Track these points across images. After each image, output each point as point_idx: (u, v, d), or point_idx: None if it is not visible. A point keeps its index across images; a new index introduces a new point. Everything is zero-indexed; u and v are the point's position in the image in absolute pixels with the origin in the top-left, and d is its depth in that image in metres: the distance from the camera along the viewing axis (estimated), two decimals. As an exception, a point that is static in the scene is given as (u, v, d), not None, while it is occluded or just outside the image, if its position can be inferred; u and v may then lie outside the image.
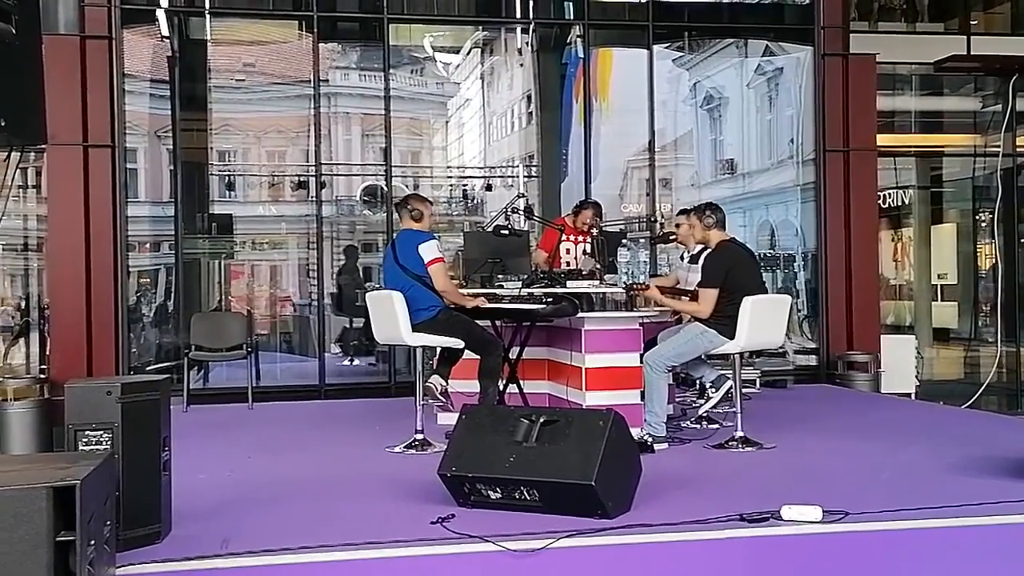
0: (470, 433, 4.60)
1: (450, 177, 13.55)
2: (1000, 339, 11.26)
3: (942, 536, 4.10)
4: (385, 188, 10.50)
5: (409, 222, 6.40)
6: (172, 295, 10.61)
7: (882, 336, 10.29)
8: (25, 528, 3.04)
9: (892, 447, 6.18)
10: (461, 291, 6.52)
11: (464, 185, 13.19)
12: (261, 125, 12.50)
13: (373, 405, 8.66)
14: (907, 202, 14.27)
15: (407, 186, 12.29)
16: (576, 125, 11.25)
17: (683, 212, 7.38)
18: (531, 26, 10.76)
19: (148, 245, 11.04)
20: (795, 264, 11.72)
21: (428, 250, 6.21)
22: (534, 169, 11.98)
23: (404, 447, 6.17)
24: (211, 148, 11.49)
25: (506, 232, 6.90)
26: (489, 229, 7.37)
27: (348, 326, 11.68)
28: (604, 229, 7.33)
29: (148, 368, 9.81)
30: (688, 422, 6.93)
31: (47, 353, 9.59)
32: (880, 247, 11.14)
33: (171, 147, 10.27)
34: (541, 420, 4.48)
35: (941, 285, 14.37)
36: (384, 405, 8.60)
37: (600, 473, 4.18)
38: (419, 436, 6.19)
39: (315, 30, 9.91)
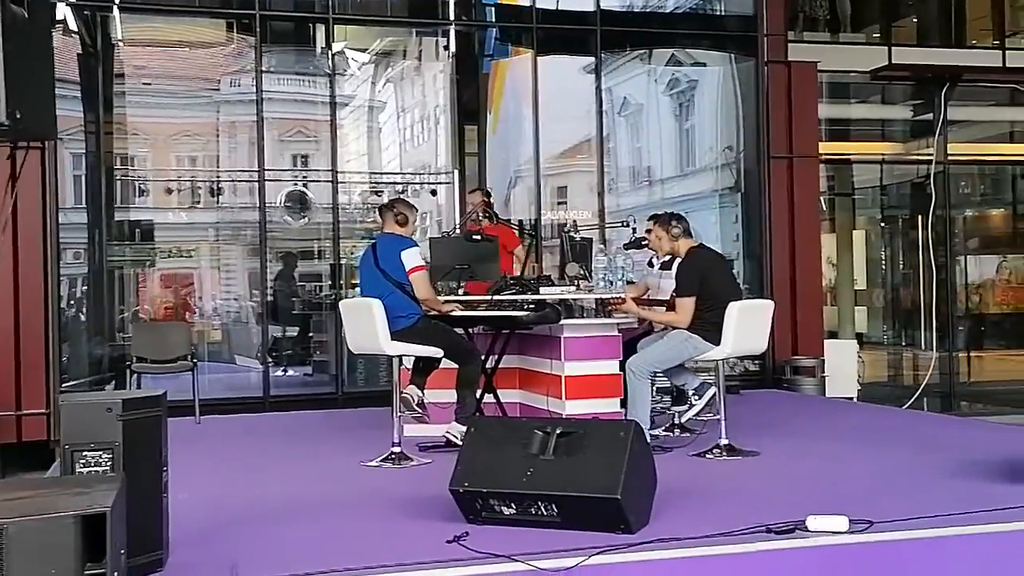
0: (481, 446, 4.38)
1: (370, 183, 13.21)
2: (935, 344, 11.48)
3: (973, 544, 4.05)
4: (310, 195, 10.18)
5: (393, 226, 6.17)
6: (86, 305, 10.12)
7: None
8: (53, 561, 2.76)
9: (876, 452, 6.15)
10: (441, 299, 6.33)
11: (380, 192, 12.88)
12: (171, 130, 12.06)
13: (324, 417, 8.42)
14: (825, 209, 14.52)
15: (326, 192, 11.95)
16: (490, 133, 11.11)
17: (653, 218, 7.28)
18: (451, 30, 10.59)
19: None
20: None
21: (411, 257, 6.01)
22: (444, 176, 11.79)
23: (381, 461, 5.93)
24: (119, 152, 10.94)
25: (477, 237, 6.71)
26: (458, 234, 7.18)
27: (281, 335, 11.31)
28: (580, 236, 7.18)
29: (80, 382, 9.29)
30: (660, 430, 6.81)
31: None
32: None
33: (75, 151, 9.80)
34: (557, 432, 4.30)
35: (856, 291, 14.67)
36: (335, 417, 8.39)
37: (625, 486, 4.03)
38: (396, 449, 5.95)
39: (257, 31, 9.58)
